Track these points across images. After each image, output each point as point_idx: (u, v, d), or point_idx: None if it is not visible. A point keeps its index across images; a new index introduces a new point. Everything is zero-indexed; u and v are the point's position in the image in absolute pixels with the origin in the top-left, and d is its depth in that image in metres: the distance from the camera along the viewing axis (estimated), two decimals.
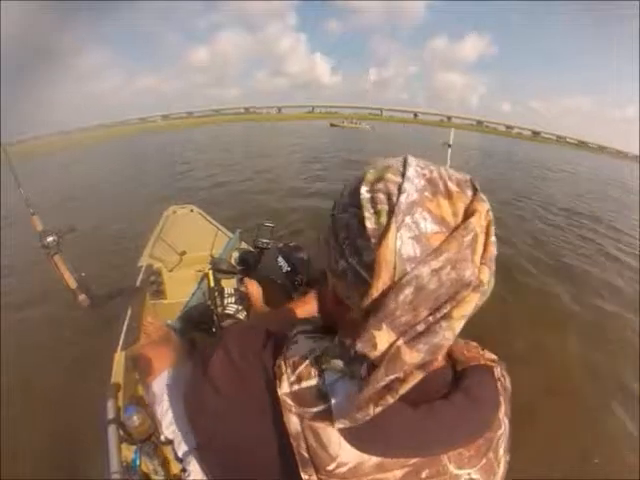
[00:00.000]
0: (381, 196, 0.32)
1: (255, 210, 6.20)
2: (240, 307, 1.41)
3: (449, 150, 2.99)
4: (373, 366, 0.32)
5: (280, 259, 1.54)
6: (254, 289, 1.24)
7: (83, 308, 1.62)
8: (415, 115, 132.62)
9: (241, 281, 1.33)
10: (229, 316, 1.39)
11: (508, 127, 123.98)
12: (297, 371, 0.37)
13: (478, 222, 0.31)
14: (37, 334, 2.57)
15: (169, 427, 0.87)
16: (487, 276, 0.31)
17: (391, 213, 0.30)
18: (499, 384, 0.41)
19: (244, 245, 2.23)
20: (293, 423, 0.35)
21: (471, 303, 0.30)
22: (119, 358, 1.36)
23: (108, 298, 1.77)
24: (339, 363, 0.35)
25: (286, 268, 1.49)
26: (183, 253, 2.13)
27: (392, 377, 0.30)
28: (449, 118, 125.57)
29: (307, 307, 0.90)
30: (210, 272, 1.49)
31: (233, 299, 1.44)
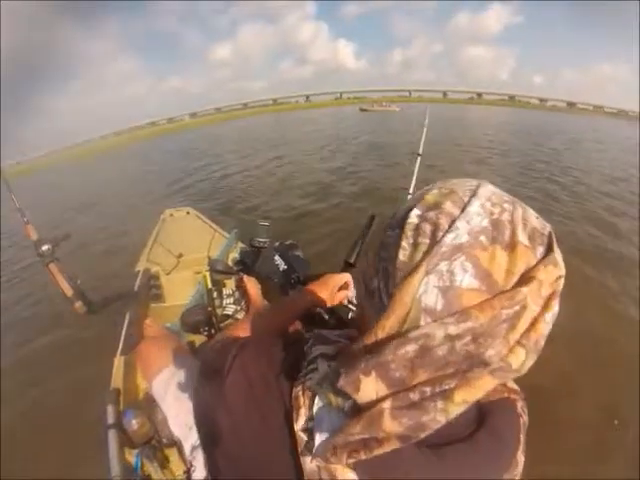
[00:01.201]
0: (427, 228, 0.27)
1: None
2: (238, 307, 1.41)
3: (418, 159, 1.99)
4: (357, 407, 0.29)
5: (277, 257, 1.53)
6: (253, 286, 1.23)
7: (80, 315, 1.62)
8: (444, 94, 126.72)
9: (240, 281, 1.32)
10: (228, 317, 1.39)
11: (541, 100, 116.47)
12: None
13: (534, 293, 0.25)
14: (36, 339, 2.57)
15: (174, 422, 0.87)
16: (520, 359, 0.25)
17: (429, 251, 0.26)
18: (521, 421, 0.38)
19: (241, 245, 2.23)
20: (308, 461, 0.32)
21: (481, 389, 0.25)
22: (118, 363, 1.36)
23: (105, 304, 1.77)
24: (330, 393, 0.32)
25: (283, 266, 1.49)
26: (180, 255, 2.13)
27: (367, 436, 0.28)
28: (479, 95, 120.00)
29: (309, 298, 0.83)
30: (207, 273, 1.48)
31: (231, 299, 1.43)
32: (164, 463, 0.92)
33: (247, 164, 10.21)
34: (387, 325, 0.27)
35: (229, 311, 1.40)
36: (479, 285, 0.25)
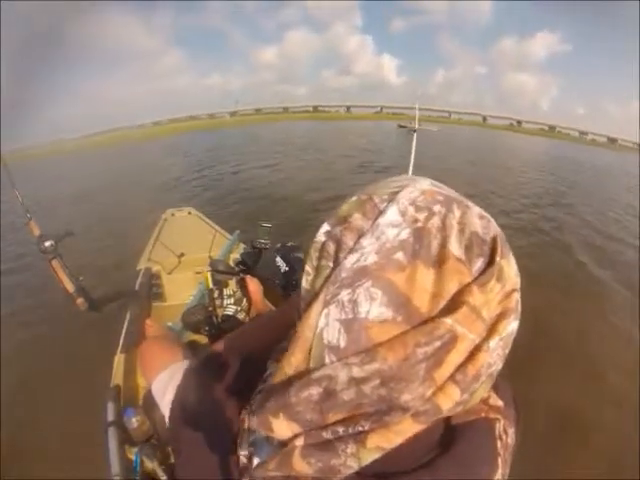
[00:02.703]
0: (331, 247, 0.23)
1: None
2: (239, 308, 1.41)
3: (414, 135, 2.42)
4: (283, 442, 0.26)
5: (278, 259, 1.54)
6: (255, 287, 1.22)
7: (81, 311, 1.63)
8: (484, 119, 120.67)
9: (242, 281, 1.33)
10: (229, 317, 1.39)
11: (582, 133, 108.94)
12: None
13: (469, 319, 0.20)
14: (36, 339, 2.57)
15: None
16: (452, 399, 0.21)
17: (328, 278, 0.22)
18: (499, 443, 0.32)
19: (243, 246, 2.24)
20: None
21: (400, 434, 0.22)
22: (119, 361, 1.36)
23: (106, 301, 1.78)
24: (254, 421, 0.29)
25: (284, 268, 1.49)
26: (181, 255, 2.14)
27: (281, 475, 0.25)
28: (519, 122, 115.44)
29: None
30: (208, 273, 1.49)
31: (232, 300, 1.44)
32: (164, 461, 0.92)
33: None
34: (293, 362, 0.23)
35: (230, 311, 1.41)
36: (393, 315, 0.20)
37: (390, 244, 0.21)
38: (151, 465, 0.91)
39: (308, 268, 0.24)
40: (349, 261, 0.21)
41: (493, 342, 0.21)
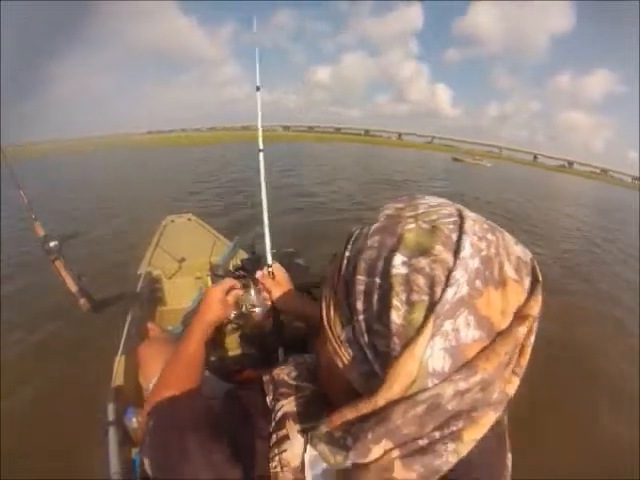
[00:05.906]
0: (421, 281, 0.24)
1: None
2: (236, 312, 1.44)
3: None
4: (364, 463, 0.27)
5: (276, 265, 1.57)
6: (281, 276, 0.91)
7: (83, 311, 1.65)
8: (535, 157, 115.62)
9: (262, 277, 1.32)
10: (228, 321, 1.42)
11: (634, 178, 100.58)
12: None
13: (530, 326, 0.25)
14: (37, 335, 2.57)
15: None
16: (515, 387, 0.27)
17: (430, 312, 0.23)
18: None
19: (242, 252, 2.26)
20: None
21: (486, 425, 0.26)
22: (119, 362, 1.38)
23: (108, 303, 1.81)
24: (325, 451, 0.30)
25: None
26: (182, 260, 2.16)
27: None
28: (570, 163, 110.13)
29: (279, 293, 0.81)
30: (208, 277, 1.52)
31: None
32: None
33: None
34: (389, 395, 0.25)
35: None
36: (480, 334, 0.24)
37: (473, 273, 0.24)
38: None
39: (397, 302, 0.24)
40: (449, 294, 0.23)
41: (532, 338, 0.26)
